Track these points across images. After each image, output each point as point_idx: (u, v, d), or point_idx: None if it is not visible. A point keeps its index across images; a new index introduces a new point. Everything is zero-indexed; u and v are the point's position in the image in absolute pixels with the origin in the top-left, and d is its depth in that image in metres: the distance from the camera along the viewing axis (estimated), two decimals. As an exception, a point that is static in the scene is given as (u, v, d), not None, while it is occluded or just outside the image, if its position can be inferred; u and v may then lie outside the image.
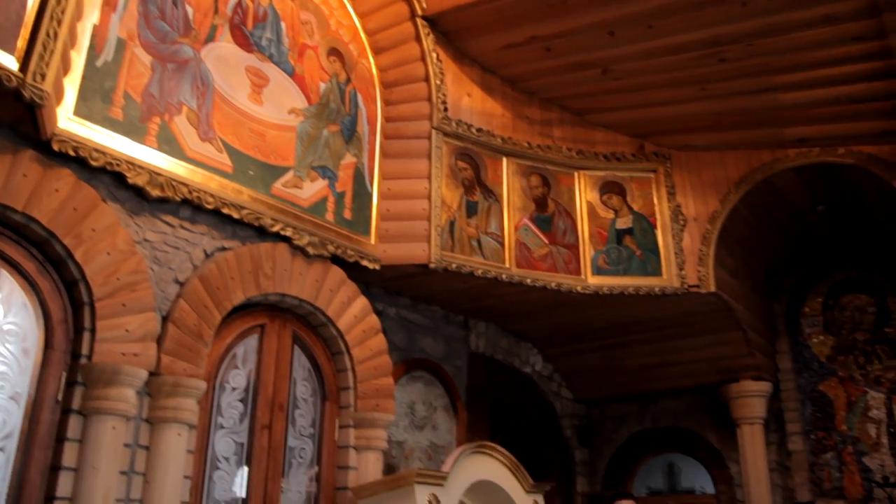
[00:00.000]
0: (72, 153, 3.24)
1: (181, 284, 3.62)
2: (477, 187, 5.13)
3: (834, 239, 6.29)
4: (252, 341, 4.04)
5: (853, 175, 5.16)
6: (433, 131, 4.98)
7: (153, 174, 3.53)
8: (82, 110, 3.33)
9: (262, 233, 4.08)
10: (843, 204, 5.64)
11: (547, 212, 5.35)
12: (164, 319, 3.50)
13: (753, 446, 6.05)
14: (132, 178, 3.45)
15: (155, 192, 3.53)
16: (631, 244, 5.42)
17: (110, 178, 3.44)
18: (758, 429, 6.11)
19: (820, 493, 6.13)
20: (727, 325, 5.73)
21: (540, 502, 4.71)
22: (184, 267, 3.66)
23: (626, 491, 5.55)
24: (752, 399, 6.11)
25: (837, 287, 6.48)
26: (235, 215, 3.90)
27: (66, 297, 3.24)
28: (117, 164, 3.40)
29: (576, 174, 5.53)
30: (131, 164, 3.46)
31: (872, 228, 6.04)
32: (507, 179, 5.29)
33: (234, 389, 3.89)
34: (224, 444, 3.78)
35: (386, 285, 5.07)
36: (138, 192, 3.52)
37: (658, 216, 5.50)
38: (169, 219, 3.66)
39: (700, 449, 6.78)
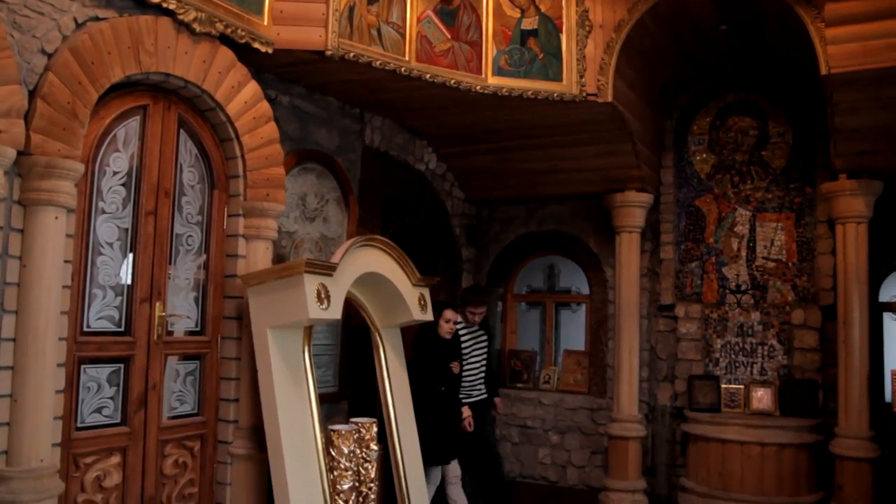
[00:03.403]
0: None
1: (49, 56, 3.27)
2: (380, -29, 4.77)
3: (730, 60, 6.37)
4: (134, 123, 3.79)
5: (760, -6, 5.15)
6: None
7: (5, -79, 3.04)
8: None
9: (141, 4, 3.67)
10: (744, 26, 5.64)
11: (452, 5, 5.09)
12: (32, 94, 3.19)
13: (629, 253, 6.46)
14: (-22, -77, 2.96)
15: (9, -56, 3.06)
16: (534, 47, 5.30)
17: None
18: (635, 237, 6.49)
19: (681, 297, 6.72)
20: (619, 136, 5.85)
21: (426, 295, 4.94)
22: (51, 36, 3.29)
23: (447, 301, 6.04)
24: (633, 209, 6.42)
25: (726, 108, 6.65)
26: (110, -20, 3.48)
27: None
28: None
29: (485, -34, 5.23)
30: None
31: (767, 54, 6.14)
32: (413, -35, 4.94)
33: (115, 173, 3.70)
34: (106, 229, 3.65)
35: (279, 72, 4.80)
36: (-15, -58, 3.03)
37: (564, 20, 5.35)
38: (30, -22, 3.22)
39: (580, 253, 7.19)
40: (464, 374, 5.87)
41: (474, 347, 6.13)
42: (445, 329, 5.53)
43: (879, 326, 6.18)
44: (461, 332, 5.98)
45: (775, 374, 6.25)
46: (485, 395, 6.21)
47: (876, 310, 6.03)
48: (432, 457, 5.28)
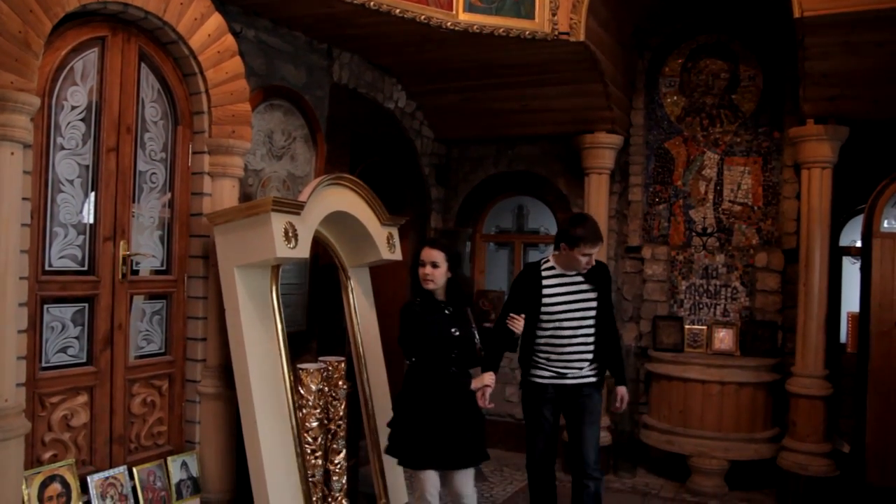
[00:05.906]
0: None
1: (-1, -18, 3.12)
2: None
3: (703, 1, 6.31)
4: (92, 56, 3.65)
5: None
6: None
7: None
8: None
9: (97, -73, 3.51)
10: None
11: (424, -65, 4.94)
12: (-18, 22, 3.05)
13: (598, 194, 6.47)
14: None
15: None
16: (507, -18, 5.18)
17: None
18: (604, 178, 6.50)
19: (648, 240, 6.78)
20: (590, 76, 5.79)
21: (394, 234, 4.92)
22: (1, -40, 3.13)
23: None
24: (603, 150, 6.41)
25: (699, 50, 6.59)
26: None
27: None
28: None
29: None
30: None
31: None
32: None
33: (74, 108, 3.58)
34: (66, 166, 3.55)
35: (244, 4, 4.64)
36: None
37: (539, -46, 5.24)
38: None
39: (549, 193, 7.19)
40: (550, 341, 4.22)
41: (569, 303, 4.21)
42: (421, 274, 3.96)
43: (838, 270, 6.33)
44: (549, 280, 4.24)
45: (737, 316, 6.39)
46: (593, 379, 4.26)
47: (836, 254, 6.17)
48: (400, 453, 3.96)
